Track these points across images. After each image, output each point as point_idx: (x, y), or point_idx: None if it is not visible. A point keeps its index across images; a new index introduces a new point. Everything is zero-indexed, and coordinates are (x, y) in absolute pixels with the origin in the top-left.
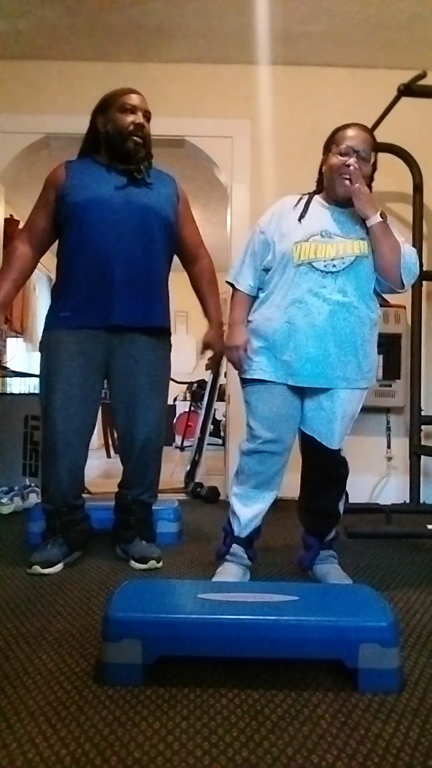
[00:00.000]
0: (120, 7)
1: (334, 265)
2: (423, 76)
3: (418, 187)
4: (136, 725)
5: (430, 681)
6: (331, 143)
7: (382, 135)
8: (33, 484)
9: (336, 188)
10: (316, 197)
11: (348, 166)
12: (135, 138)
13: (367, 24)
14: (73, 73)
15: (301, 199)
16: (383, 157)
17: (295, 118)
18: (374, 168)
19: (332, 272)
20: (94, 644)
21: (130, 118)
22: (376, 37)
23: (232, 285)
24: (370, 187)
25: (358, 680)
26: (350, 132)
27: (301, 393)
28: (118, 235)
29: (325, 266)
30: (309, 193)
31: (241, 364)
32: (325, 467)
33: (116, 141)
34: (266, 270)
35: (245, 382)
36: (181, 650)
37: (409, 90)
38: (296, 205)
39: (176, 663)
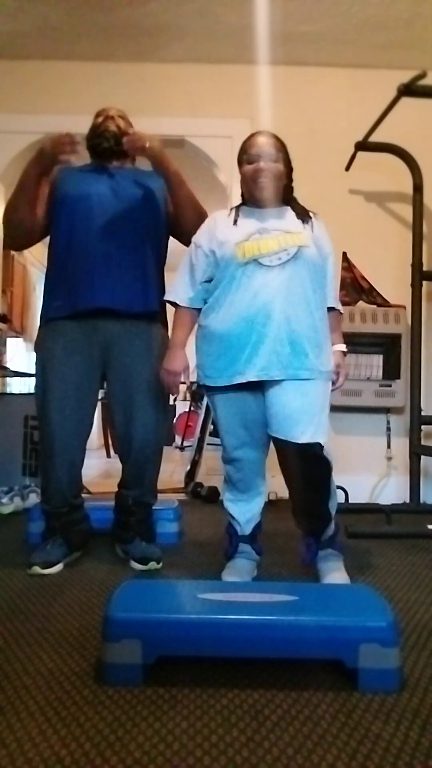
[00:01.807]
0: (119, 8)
1: (279, 258)
2: (423, 76)
3: (418, 187)
4: (136, 725)
5: (430, 681)
6: (241, 156)
7: (382, 135)
8: (33, 484)
9: (255, 193)
10: (243, 207)
11: (258, 171)
12: (106, 127)
13: (367, 24)
14: (73, 73)
15: (231, 210)
16: (383, 157)
17: (294, 118)
18: (289, 167)
19: (278, 265)
20: (94, 644)
21: (101, 117)
22: (376, 37)
23: (173, 304)
24: (290, 184)
25: (358, 680)
26: (255, 140)
27: (263, 393)
28: (106, 225)
29: (270, 261)
30: (236, 206)
31: (176, 389)
32: (300, 466)
33: (92, 139)
34: (209, 281)
35: (207, 389)
36: (181, 650)
37: (409, 90)
38: (228, 215)
39: (176, 663)
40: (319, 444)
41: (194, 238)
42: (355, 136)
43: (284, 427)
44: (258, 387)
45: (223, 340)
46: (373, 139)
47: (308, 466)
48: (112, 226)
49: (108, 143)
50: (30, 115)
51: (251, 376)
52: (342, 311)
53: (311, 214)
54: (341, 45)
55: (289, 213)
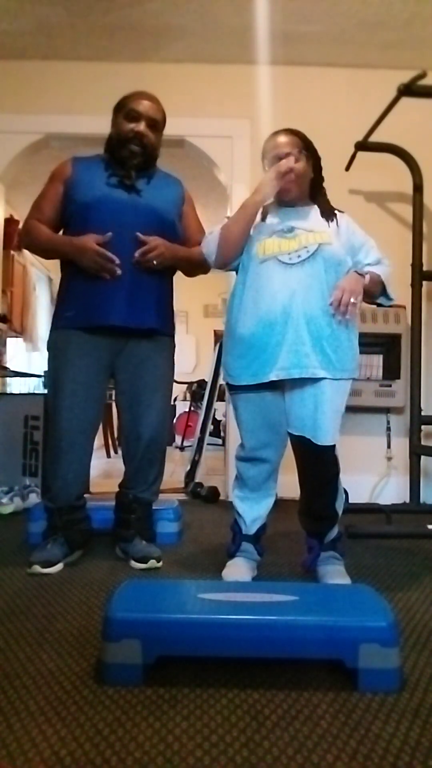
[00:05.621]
0: (120, 7)
1: (299, 256)
2: (423, 76)
3: (418, 187)
4: (136, 725)
5: (430, 681)
6: (264, 157)
7: (382, 135)
8: (33, 484)
9: (280, 195)
10: (270, 204)
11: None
12: (131, 147)
13: (367, 24)
14: (73, 73)
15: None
16: (383, 157)
17: (294, 118)
18: (318, 166)
19: (298, 263)
20: (94, 644)
21: (131, 125)
22: (376, 37)
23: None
24: (318, 178)
25: (358, 680)
26: (275, 141)
27: (283, 393)
28: (122, 237)
29: (290, 258)
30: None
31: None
32: (316, 467)
33: (116, 146)
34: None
35: (230, 388)
36: (181, 650)
37: (409, 90)
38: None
39: (176, 663)
40: (334, 445)
41: None
42: (355, 136)
43: (307, 427)
44: (279, 387)
45: (244, 340)
46: (373, 139)
47: (325, 466)
48: (126, 241)
49: (130, 181)
50: (30, 115)
51: (272, 376)
52: (382, 274)
53: (336, 212)
54: (341, 45)
55: (315, 211)
